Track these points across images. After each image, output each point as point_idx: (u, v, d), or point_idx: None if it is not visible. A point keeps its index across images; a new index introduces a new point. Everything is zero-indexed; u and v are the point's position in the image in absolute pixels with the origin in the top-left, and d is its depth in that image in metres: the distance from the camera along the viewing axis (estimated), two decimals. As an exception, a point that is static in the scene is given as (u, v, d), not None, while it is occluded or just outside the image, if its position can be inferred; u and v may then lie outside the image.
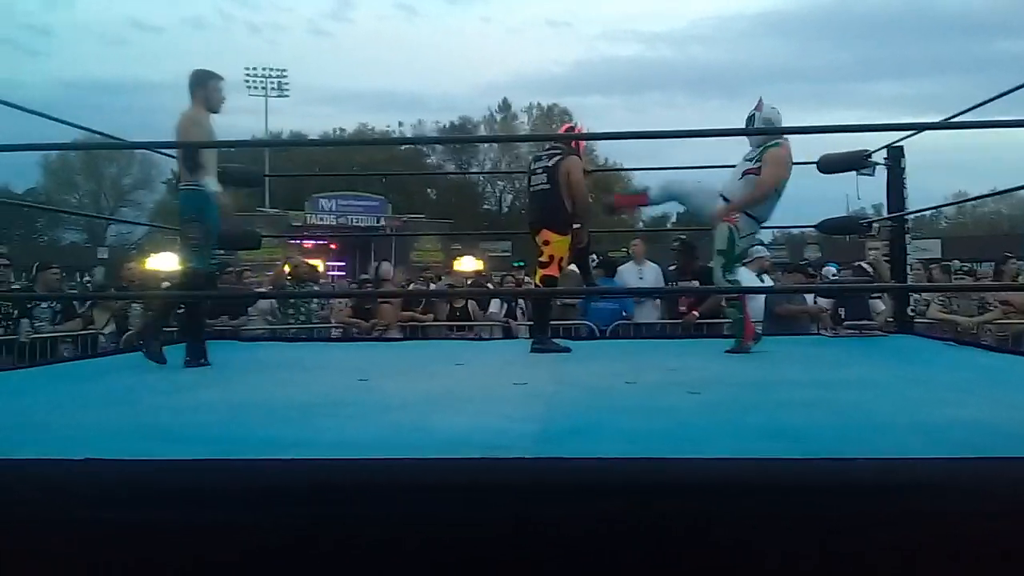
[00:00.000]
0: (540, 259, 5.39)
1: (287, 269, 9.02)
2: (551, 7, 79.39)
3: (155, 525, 1.85)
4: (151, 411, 2.99)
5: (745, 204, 4.91)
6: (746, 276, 7.53)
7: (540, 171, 5.39)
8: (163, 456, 2.02)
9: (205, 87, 4.61)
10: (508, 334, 8.11)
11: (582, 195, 5.24)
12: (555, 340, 5.40)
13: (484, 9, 79.40)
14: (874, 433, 2.37)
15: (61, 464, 1.96)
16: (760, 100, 4.99)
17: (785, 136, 4.92)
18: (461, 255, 24.94)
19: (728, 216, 4.96)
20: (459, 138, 47.84)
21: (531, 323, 6.29)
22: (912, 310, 6.04)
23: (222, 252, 5.39)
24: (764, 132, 4.78)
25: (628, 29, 71.76)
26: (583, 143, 5.94)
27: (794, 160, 4.98)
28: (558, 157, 5.31)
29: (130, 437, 2.41)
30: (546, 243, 5.31)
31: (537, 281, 5.57)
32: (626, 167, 34.18)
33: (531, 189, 5.55)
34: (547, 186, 5.31)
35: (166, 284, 7.64)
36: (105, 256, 33.88)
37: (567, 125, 6.26)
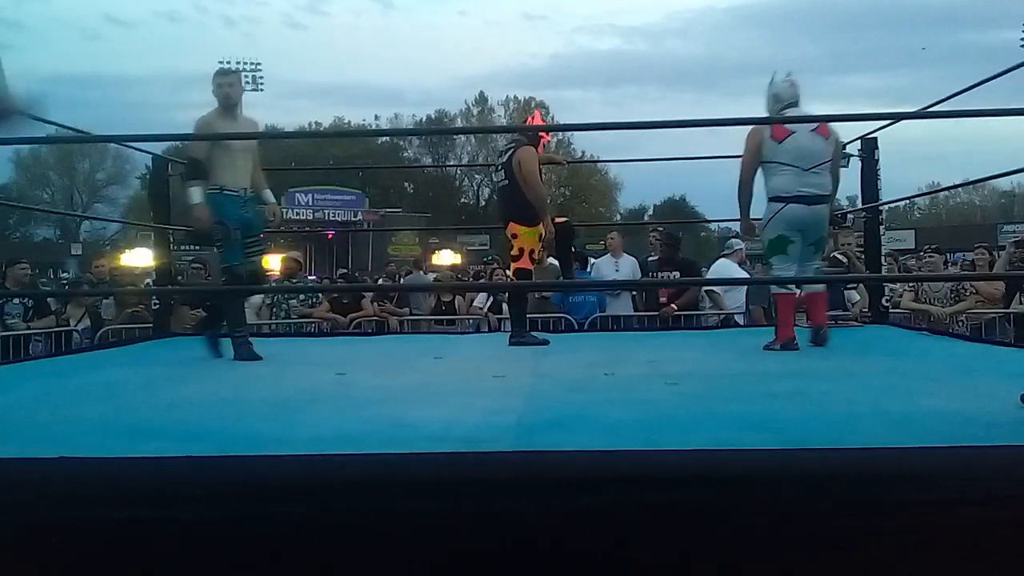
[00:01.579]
0: (511, 253, 5.41)
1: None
2: (528, 1, 79.28)
3: (131, 524, 1.82)
4: (127, 407, 2.96)
5: (743, 207, 4.78)
6: (731, 267, 7.60)
7: (499, 167, 5.42)
8: (139, 453, 2.00)
9: (213, 86, 4.69)
10: (491, 327, 8.11)
11: (534, 184, 5.23)
12: (533, 333, 5.41)
13: (461, 3, 79.22)
14: (851, 423, 2.39)
15: (33, 463, 1.93)
16: (774, 74, 4.77)
17: (791, 108, 4.64)
18: (439, 249, 24.94)
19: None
20: (437, 130, 47.82)
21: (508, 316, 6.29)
22: (886, 300, 6.10)
23: (197, 247, 5.39)
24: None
25: (605, 23, 72.00)
26: (547, 134, 5.85)
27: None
28: (511, 151, 5.33)
29: (105, 434, 2.38)
30: (514, 236, 5.32)
31: (510, 275, 5.58)
32: (602, 159, 34.20)
33: (496, 185, 5.60)
34: (506, 181, 5.34)
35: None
36: (79, 252, 33.55)
37: (529, 117, 6.19)
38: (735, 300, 7.32)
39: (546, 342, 5.22)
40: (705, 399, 2.94)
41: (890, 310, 6.19)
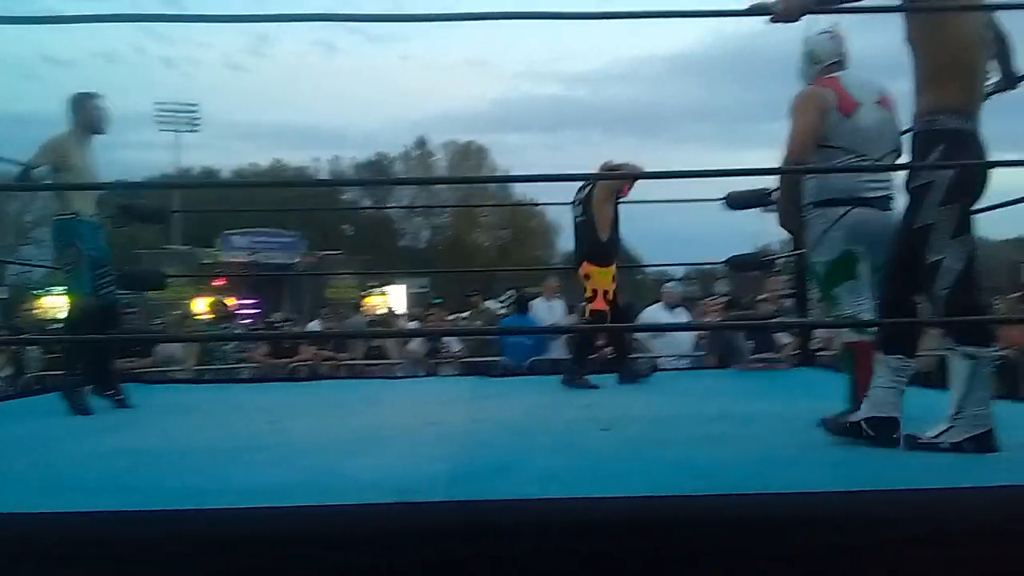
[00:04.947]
0: (585, 295, 5.31)
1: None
2: (471, 47, 79.99)
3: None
4: (48, 460, 2.88)
5: (784, 194, 3.45)
6: (659, 313, 7.69)
7: (578, 203, 5.32)
8: (60, 508, 1.94)
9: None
10: (429, 371, 8.05)
11: (605, 223, 5.19)
12: (587, 377, 5.22)
13: (404, 47, 79.23)
14: (778, 468, 2.44)
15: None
16: (808, 27, 3.38)
17: (836, 70, 3.37)
18: (378, 292, 24.70)
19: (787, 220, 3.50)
20: (407, 180, 47.78)
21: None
22: (814, 344, 6.23)
23: (127, 292, 5.26)
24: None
25: (547, 69, 72.51)
26: (627, 188, 5.53)
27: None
28: (591, 186, 5.27)
29: (28, 489, 2.31)
30: (587, 277, 5.23)
31: (586, 317, 5.47)
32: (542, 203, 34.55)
33: (575, 222, 5.41)
34: (583, 217, 5.26)
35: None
36: (5, 296, 32.42)
37: (606, 162, 5.80)
38: (666, 347, 7.40)
39: (596, 387, 5.06)
40: (637, 444, 2.97)
41: (820, 352, 6.32)
